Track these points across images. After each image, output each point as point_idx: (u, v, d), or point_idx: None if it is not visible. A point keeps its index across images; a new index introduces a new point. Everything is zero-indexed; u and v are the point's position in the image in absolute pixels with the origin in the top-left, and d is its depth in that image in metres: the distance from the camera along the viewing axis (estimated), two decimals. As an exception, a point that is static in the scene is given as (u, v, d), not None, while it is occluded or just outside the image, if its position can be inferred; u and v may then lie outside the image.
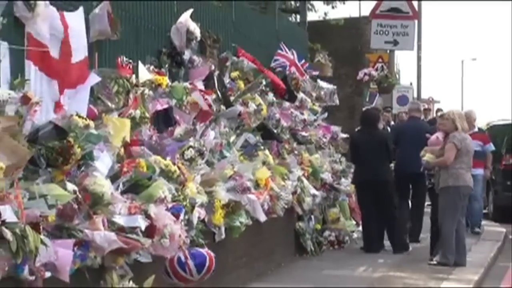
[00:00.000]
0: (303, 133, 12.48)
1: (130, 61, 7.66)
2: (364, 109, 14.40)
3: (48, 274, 4.96)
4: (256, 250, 9.32)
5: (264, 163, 9.54)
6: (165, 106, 7.92)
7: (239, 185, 8.28)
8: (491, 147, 14.14)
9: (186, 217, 6.79)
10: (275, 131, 11.03)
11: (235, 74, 10.72)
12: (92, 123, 6.11)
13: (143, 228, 5.89)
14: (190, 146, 7.74)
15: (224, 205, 7.88)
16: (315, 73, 14.87)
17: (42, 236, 4.84)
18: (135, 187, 6.29)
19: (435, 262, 10.37)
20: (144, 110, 7.39)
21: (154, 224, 6.07)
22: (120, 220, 5.73)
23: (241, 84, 10.61)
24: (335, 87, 14.68)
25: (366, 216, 11.84)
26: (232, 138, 9.40)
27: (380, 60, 18.21)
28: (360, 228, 12.27)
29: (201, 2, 10.06)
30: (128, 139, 6.77)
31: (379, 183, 11.54)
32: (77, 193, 5.45)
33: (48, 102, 6.32)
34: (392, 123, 16.91)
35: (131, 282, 5.89)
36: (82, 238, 5.31)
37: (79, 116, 6.06)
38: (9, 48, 5.97)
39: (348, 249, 11.90)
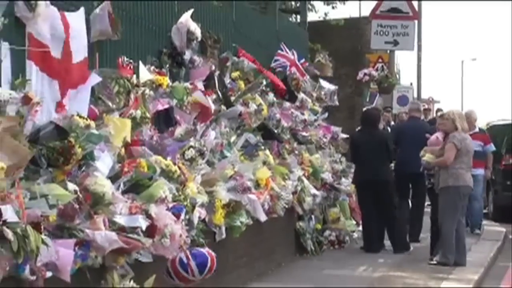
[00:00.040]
0: (304, 133, 12.48)
1: (131, 61, 7.66)
2: (364, 109, 14.37)
3: (49, 274, 4.96)
4: (257, 249, 9.32)
5: (264, 163, 9.55)
6: (166, 106, 7.91)
7: (239, 185, 8.29)
8: (492, 147, 14.13)
9: (187, 217, 6.79)
10: (275, 131, 11.03)
11: (235, 74, 10.72)
12: (93, 123, 6.12)
13: (143, 228, 5.89)
14: (191, 146, 7.74)
15: (224, 205, 7.89)
16: (317, 72, 14.88)
17: (43, 236, 4.84)
18: (136, 187, 6.29)
19: (435, 262, 10.38)
20: (144, 110, 7.38)
21: (155, 224, 6.07)
22: (121, 220, 5.73)
23: (241, 84, 10.62)
24: (336, 87, 14.69)
25: (366, 216, 11.85)
26: (233, 138, 9.41)
27: (380, 60, 18.20)
28: (360, 228, 12.28)
29: (201, 2, 10.06)
30: (128, 139, 6.76)
31: (379, 183, 11.55)
32: (78, 193, 5.44)
33: (49, 102, 6.30)
34: (392, 123, 16.91)
35: (132, 281, 5.89)
36: (83, 238, 5.31)
37: (80, 116, 6.07)
38: (10, 48, 5.96)
39: (348, 249, 11.91)
